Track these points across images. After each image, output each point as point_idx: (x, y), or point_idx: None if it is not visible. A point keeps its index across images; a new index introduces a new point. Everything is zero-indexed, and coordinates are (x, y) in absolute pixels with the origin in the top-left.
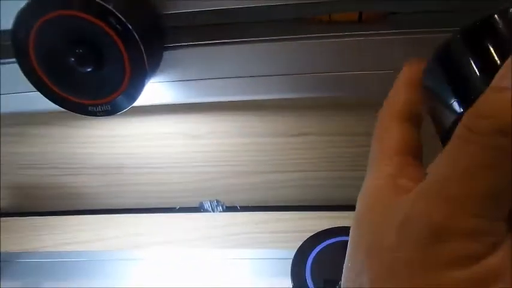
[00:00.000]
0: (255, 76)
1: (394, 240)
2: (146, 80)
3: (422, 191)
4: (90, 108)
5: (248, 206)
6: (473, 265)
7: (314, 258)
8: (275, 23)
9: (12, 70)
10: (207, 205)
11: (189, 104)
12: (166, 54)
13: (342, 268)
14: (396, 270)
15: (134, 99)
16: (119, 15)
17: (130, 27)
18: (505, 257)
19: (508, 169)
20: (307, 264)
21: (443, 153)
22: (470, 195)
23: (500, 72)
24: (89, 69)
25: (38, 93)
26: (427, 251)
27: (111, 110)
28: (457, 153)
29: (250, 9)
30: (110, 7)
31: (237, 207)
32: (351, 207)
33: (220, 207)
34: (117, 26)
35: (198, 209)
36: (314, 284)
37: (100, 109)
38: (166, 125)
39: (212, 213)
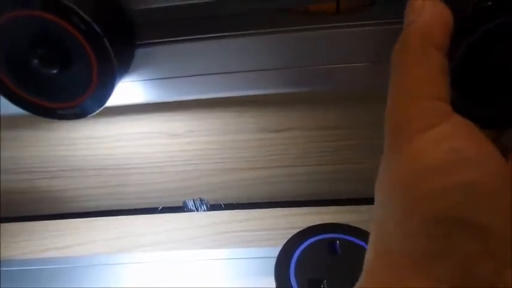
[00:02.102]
0: (232, 72)
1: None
2: (116, 80)
3: None
4: (59, 112)
5: (232, 204)
6: (431, 131)
7: (298, 257)
8: (251, 17)
9: None
10: (190, 204)
11: (167, 102)
12: (138, 52)
13: (327, 267)
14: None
15: (104, 101)
16: (81, 13)
17: (94, 25)
18: (453, 123)
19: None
20: (291, 263)
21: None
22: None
23: None
24: (54, 71)
25: None
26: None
27: (81, 113)
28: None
29: (224, 2)
30: (71, 5)
31: (221, 205)
32: (336, 202)
33: (204, 206)
34: (81, 24)
35: (182, 208)
36: (298, 283)
37: (69, 112)
38: (144, 124)
39: (196, 212)
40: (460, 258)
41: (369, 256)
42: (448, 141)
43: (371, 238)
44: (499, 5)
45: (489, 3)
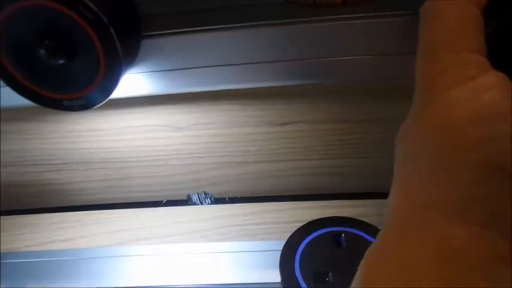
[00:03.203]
0: (239, 64)
1: None
2: (122, 72)
3: None
4: (65, 103)
5: (237, 198)
6: (469, 82)
7: (303, 250)
8: (257, 9)
9: None
10: (195, 197)
11: (172, 95)
12: (144, 43)
13: (332, 260)
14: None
15: (110, 92)
16: (88, 3)
17: (101, 15)
18: (492, 75)
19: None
20: (296, 257)
21: None
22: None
23: None
24: (60, 62)
25: None
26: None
27: (86, 104)
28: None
29: None
30: None
31: (225, 198)
32: (341, 196)
33: (209, 200)
34: (87, 14)
35: (186, 201)
36: (303, 276)
37: (76, 103)
38: (149, 117)
39: (200, 205)
40: (498, 203)
41: (390, 208)
42: (488, 93)
43: (393, 191)
44: None
45: None
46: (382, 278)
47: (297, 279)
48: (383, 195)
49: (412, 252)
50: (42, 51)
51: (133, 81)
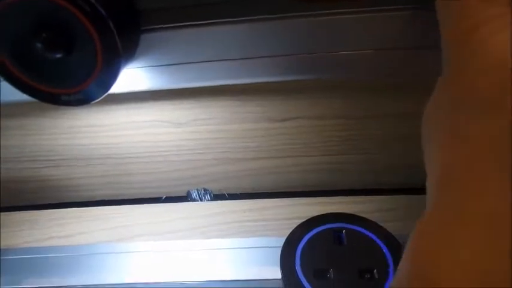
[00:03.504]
0: (239, 59)
1: None
2: (121, 66)
3: None
4: (63, 97)
5: (237, 194)
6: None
7: (304, 247)
8: (256, 3)
9: None
10: (194, 194)
11: (171, 90)
12: (144, 38)
13: (332, 257)
14: None
15: (109, 86)
16: None
17: (98, 7)
18: None
19: None
20: (296, 253)
21: None
22: None
23: None
24: (58, 55)
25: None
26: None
27: (85, 99)
28: None
29: None
30: None
31: (225, 195)
32: (342, 192)
33: (208, 196)
34: (85, 6)
35: (186, 198)
36: (304, 273)
37: (74, 98)
38: (148, 113)
39: (200, 202)
40: None
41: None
42: None
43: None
44: None
45: None
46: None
47: (297, 275)
48: (383, 191)
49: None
50: (39, 45)
51: (133, 76)
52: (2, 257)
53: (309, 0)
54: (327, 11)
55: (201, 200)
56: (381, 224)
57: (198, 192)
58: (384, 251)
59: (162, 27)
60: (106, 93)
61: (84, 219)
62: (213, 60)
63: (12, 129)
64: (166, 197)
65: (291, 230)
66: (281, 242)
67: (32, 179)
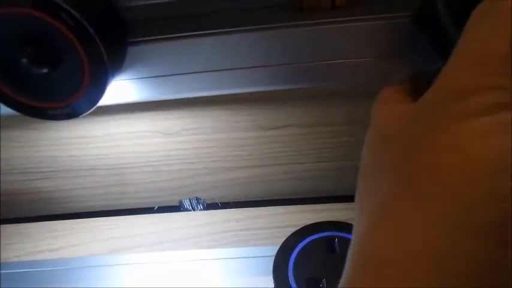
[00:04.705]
0: (227, 69)
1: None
2: (108, 79)
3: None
4: (50, 112)
5: (229, 203)
6: (494, 114)
7: (296, 255)
8: (245, 13)
9: None
10: (187, 203)
11: (161, 101)
12: (130, 50)
13: (325, 266)
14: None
15: (96, 100)
16: (70, 10)
17: (84, 22)
18: None
19: None
20: (289, 262)
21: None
22: (491, 57)
23: None
24: (44, 71)
25: None
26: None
27: (72, 113)
28: (477, 26)
29: None
30: (60, 2)
31: (218, 204)
32: (334, 199)
33: (201, 205)
34: (70, 21)
35: (178, 208)
36: (296, 283)
37: (61, 112)
38: (138, 123)
39: (192, 211)
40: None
41: None
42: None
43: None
44: None
45: None
46: None
47: (290, 285)
48: None
49: None
50: (25, 60)
51: (120, 89)
52: None
53: (300, 10)
54: (318, 21)
55: (194, 209)
56: None
57: (190, 202)
58: None
59: (148, 39)
60: (93, 108)
61: (76, 231)
62: (201, 72)
63: (1, 141)
64: (158, 207)
65: (283, 239)
66: (274, 251)
67: (23, 191)
